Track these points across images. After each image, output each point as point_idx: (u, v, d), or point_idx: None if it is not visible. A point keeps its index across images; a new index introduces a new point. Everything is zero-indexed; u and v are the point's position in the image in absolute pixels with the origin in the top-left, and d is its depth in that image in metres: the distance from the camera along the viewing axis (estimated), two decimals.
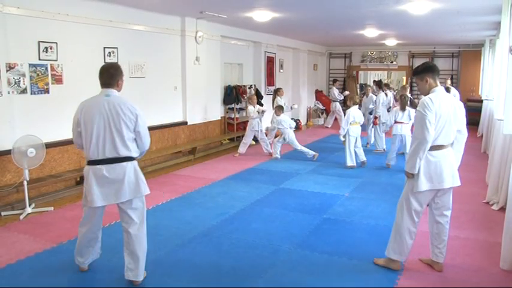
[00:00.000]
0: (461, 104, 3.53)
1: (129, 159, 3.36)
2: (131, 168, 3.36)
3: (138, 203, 3.44)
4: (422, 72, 3.46)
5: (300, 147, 8.49)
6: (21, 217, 5.07)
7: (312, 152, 8.43)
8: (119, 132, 3.25)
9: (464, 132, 3.57)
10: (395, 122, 7.70)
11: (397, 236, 3.62)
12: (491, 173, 5.84)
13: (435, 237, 3.69)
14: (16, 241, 4.37)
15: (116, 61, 7.05)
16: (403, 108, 7.63)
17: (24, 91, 5.64)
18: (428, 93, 3.43)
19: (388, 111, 9.22)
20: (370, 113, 9.87)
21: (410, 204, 3.53)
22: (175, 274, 3.64)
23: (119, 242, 4.30)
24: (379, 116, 9.15)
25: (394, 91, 13.53)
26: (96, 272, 3.67)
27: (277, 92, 10.09)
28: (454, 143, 3.55)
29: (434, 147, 3.39)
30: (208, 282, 3.50)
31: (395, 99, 10.17)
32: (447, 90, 11.72)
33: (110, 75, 3.35)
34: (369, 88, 10.81)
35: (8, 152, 5.31)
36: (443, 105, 3.33)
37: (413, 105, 7.54)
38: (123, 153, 3.30)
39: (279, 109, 8.76)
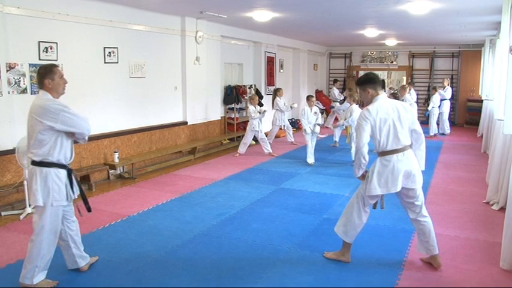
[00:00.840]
0: (409, 107, 3.69)
1: (35, 163, 3.27)
2: (33, 173, 3.28)
3: (37, 209, 3.32)
4: (363, 84, 3.62)
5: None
6: (21, 217, 5.07)
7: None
8: (29, 134, 3.28)
9: (420, 132, 3.66)
10: None
11: (348, 222, 3.77)
12: (492, 173, 5.84)
13: (420, 233, 3.75)
14: (16, 241, 4.37)
15: (116, 61, 7.06)
16: None
17: (24, 91, 5.65)
18: (370, 102, 3.58)
19: None
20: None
21: (365, 202, 3.71)
22: (176, 274, 3.65)
23: (119, 242, 4.32)
24: None
25: (395, 90, 13.54)
26: (96, 271, 3.68)
27: (276, 93, 10.08)
28: (413, 143, 3.65)
29: (387, 153, 3.52)
30: (208, 282, 3.50)
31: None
32: (434, 89, 11.99)
33: (38, 76, 3.33)
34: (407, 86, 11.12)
35: (8, 152, 5.31)
36: (382, 113, 3.48)
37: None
38: (30, 155, 3.29)
39: (351, 94, 8.42)
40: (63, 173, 3.34)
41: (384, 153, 3.54)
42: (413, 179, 3.53)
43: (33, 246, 3.32)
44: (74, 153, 3.48)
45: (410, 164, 3.53)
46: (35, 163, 3.27)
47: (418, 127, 3.66)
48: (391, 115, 3.49)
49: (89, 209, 3.63)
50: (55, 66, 3.37)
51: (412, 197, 3.62)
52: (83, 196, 3.59)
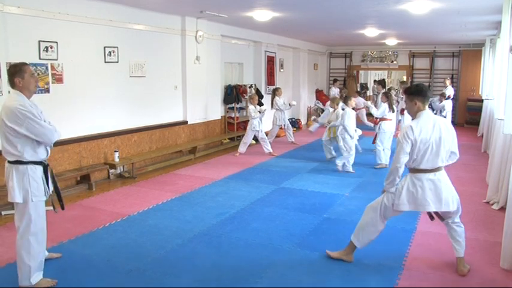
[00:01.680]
0: (452, 127, 3.56)
1: (10, 161, 3.29)
2: (9, 171, 3.30)
3: (18, 207, 3.34)
4: (413, 94, 3.52)
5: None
6: None
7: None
8: (1, 134, 3.27)
9: (456, 153, 3.62)
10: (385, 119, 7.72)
11: (365, 231, 3.75)
12: (492, 173, 5.84)
13: (447, 232, 3.78)
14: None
15: (117, 61, 7.06)
16: (391, 108, 7.59)
17: None
18: (415, 115, 3.50)
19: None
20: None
21: (386, 214, 3.67)
22: (176, 274, 3.65)
23: (119, 242, 4.32)
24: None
25: (395, 90, 13.51)
26: (96, 271, 3.68)
27: (275, 92, 10.07)
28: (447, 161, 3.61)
29: (418, 171, 3.49)
30: (208, 282, 3.51)
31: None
32: (442, 96, 11.43)
33: (9, 75, 3.30)
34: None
35: None
36: (425, 133, 3.39)
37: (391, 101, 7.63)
38: (4, 154, 3.30)
39: (333, 101, 8.04)
40: (39, 169, 3.36)
41: (415, 170, 3.48)
42: (446, 202, 3.50)
43: (21, 248, 3.33)
44: (49, 152, 3.48)
45: (442, 187, 3.49)
46: (10, 162, 3.30)
47: (455, 148, 3.58)
48: (433, 136, 3.40)
49: (62, 206, 3.67)
50: (25, 64, 3.35)
51: (447, 213, 3.63)
52: (58, 193, 3.62)
